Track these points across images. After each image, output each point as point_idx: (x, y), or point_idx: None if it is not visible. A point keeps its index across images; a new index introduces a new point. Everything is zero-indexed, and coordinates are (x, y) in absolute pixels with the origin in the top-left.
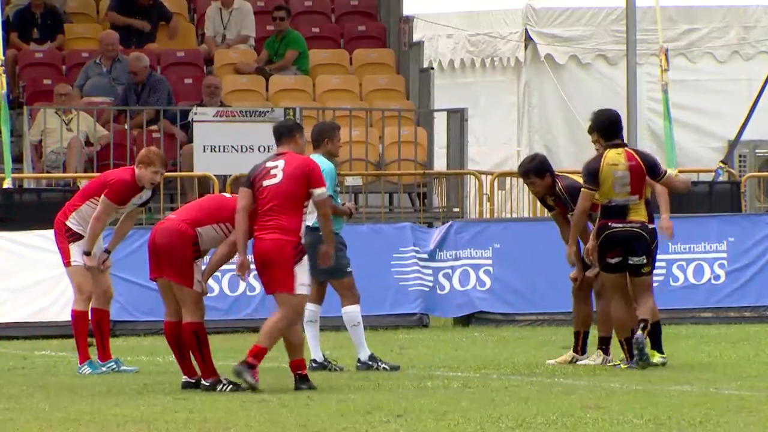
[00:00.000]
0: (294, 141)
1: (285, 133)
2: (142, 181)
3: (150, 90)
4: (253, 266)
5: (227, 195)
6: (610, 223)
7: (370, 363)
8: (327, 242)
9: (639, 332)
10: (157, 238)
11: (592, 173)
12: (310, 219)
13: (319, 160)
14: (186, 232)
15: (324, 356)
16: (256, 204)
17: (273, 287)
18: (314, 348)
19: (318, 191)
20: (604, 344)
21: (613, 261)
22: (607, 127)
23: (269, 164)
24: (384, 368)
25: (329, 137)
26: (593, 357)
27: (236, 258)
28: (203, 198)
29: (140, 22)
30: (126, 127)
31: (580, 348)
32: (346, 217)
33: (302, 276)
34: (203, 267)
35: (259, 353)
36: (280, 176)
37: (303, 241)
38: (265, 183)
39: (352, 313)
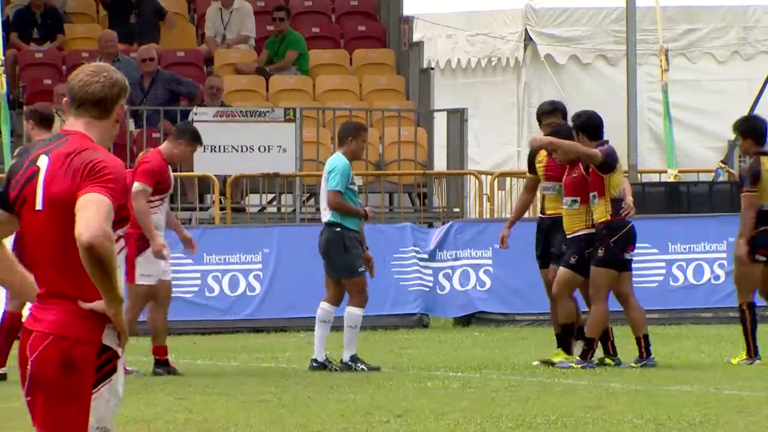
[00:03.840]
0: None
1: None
2: None
3: (157, 87)
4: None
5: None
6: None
7: (350, 364)
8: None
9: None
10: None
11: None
12: (326, 215)
13: (337, 157)
14: None
15: (325, 356)
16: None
17: None
18: (318, 348)
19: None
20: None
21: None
22: (594, 127)
23: None
24: (362, 369)
25: (353, 136)
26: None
27: None
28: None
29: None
30: (128, 123)
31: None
32: (363, 219)
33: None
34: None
35: None
36: None
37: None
38: None
39: (354, 314)
